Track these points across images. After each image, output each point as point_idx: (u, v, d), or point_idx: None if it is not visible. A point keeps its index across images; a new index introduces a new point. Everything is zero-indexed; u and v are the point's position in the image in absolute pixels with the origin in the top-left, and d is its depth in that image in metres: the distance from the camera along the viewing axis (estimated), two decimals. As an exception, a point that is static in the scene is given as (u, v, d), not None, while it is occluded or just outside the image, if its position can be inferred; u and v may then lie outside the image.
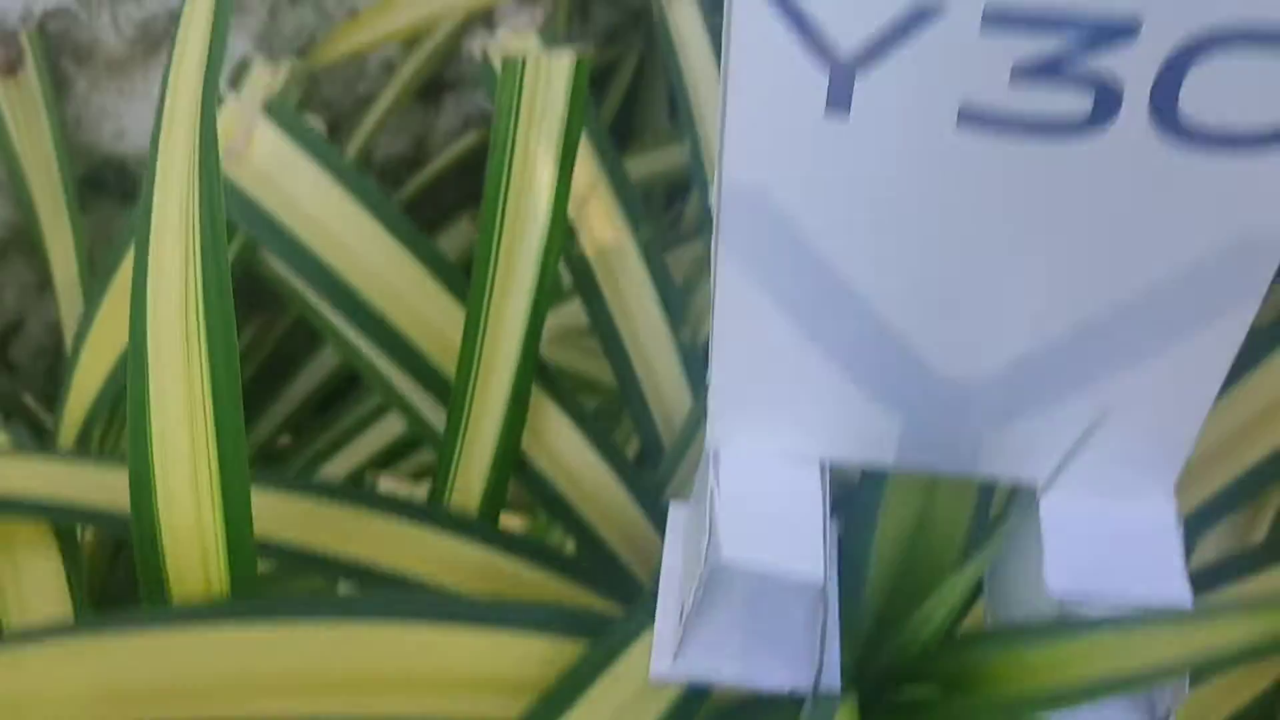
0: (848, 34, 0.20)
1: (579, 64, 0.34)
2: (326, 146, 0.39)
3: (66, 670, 0.23)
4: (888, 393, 0.26)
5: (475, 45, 0.40)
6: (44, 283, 0.63)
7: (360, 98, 0.66)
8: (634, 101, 0.71)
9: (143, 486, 0.25)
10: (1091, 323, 0.24)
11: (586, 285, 0.42)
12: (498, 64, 0.40)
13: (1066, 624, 0.25)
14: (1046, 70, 0.20)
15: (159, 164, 0.26)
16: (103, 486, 0.30)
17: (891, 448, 0.28)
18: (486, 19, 0.64)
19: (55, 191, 0.56)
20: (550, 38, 0.41)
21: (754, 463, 0.28)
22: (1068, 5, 0.19)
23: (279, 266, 0.43)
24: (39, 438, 0.58)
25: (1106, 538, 0.27)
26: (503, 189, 0.34)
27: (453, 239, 0.69)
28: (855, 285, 0.24)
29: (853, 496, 0.32)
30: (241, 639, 0.24)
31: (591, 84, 0.70)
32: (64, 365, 0.61)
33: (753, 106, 0.21)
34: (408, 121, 0.70)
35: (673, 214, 0.64)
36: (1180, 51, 0.19)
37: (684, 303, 0.43)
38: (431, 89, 0.69)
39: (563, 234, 0.35)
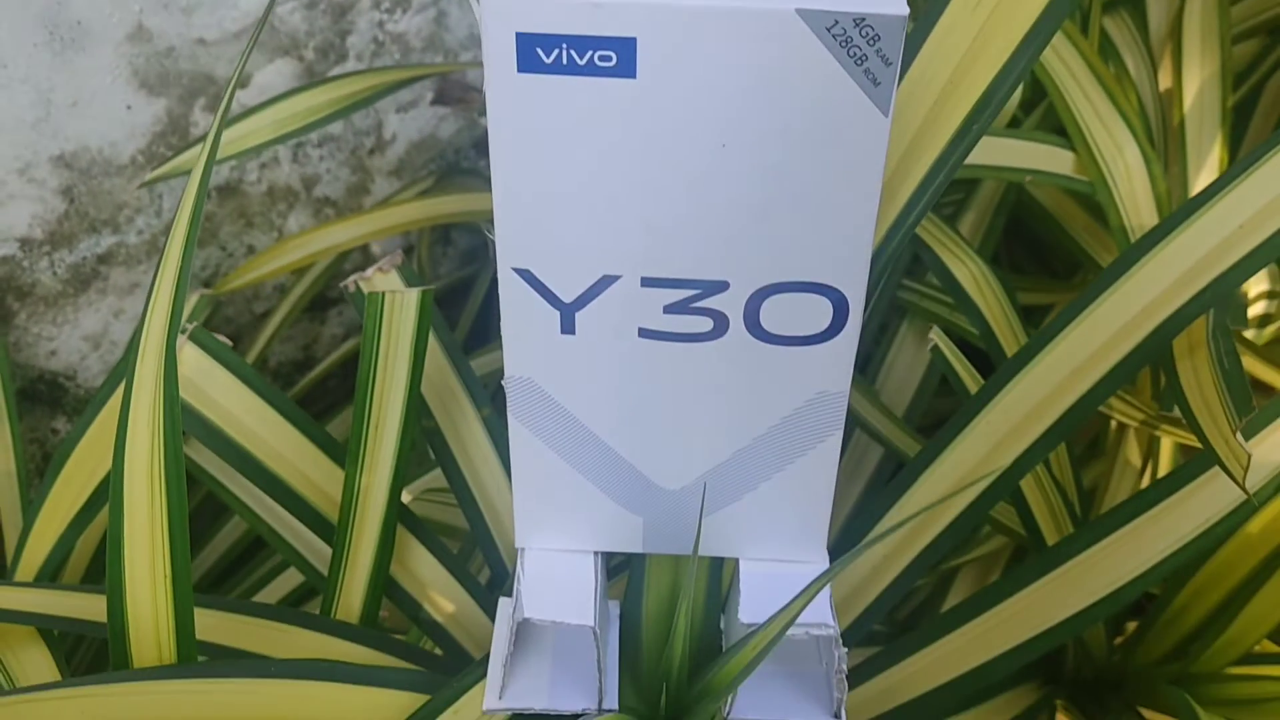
0: (567, 291, 0.34)
1: (424, 294, 0.48)
2: (234, 357, 0.51)
3: (59, 707, 0.34)
4: (629, 501, 0.40)
5: (349, 282, 0.54)
6: (-20, 484, 0.73)
7: (257, 315, 0.79)
8: (490, 306, 0.86)
9: (116, 597, 0.37)
10: (741, 449, 0.38)
11: (443, 454, 0.54)
12: (366, 295, 0.54)
13: (750, 634, 0.38)
14: (682, 307, 0.35)
15: (136, 378, 0.38)
16: (69, 606, 0.41)
17: (639, 540, 0.41)
18: (361, 249, 0.79)
19: (-3, 403, 0.66)
20: (412, 269, 0.55)
21: (546, 554, 0.41)
22: (689, 272, 0.34)
23: (197, 451, 0.55)
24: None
25: (780, 586, 0.40)
26: (370, 385, 0.47)
27: (339, 427, 0.82)
28: (596, 433, 0.38)
29: (630, 581, 0.45)
30: (184, 689, 0.35)
31: (453, 295, 0.85)
32: (2, 551, 0.71)
33: (518, 331, 0.35)
34: (297, 332, 0.83)
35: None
36: (754, 294, 0.34)
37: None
38: (318, 304, 0.83)
39: (416, 415, 0.48)
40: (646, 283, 0.34)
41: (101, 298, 0.70)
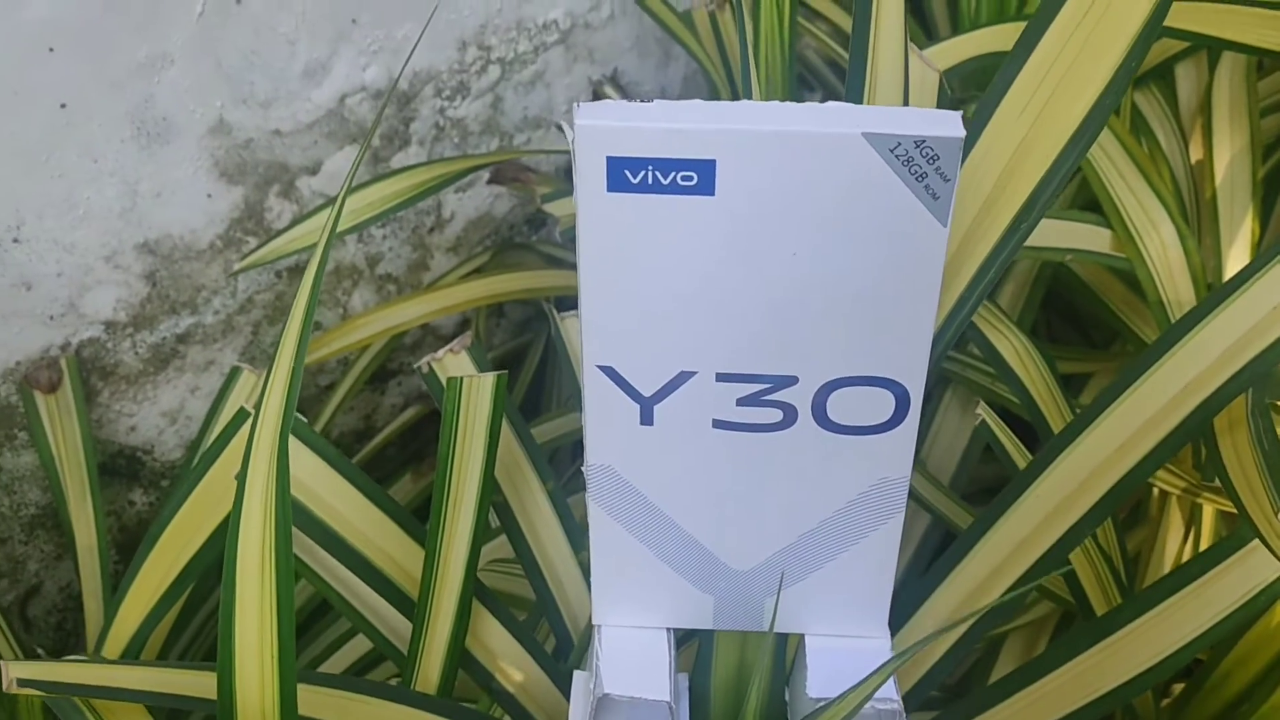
0: (647, 386, 0.37)
1: (499, 379, 0.51)
2: (317, 438, 0.54)
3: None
4: (701, 581, 0.42)
5: (424, 363, 0.57)
6: (61, 553, 0.76)
7: (322, 388, 0.82)
8: (543, 375, 0.89)
9: (226, 677, 0.39)
10: (807, 532, 0.40)
11: (511, 527, 0.57)
12: (440, 373, 0.57)
13: (817, 710, 0.40)
14: (754, 400, 0.37)
15: (250, 471, 0.41)
16: (179, 684, 0.43)
17: (710, 617, 0.43)
18: (423, 329, 0.82)
19: (80, 478, 0.70)
20: (480, 349, 0.58)
21: (623, 632, 0.43)
22: (761, 368, 0.36)
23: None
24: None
25: (845, 660, 0.42)
26: (450, 464, 0.50)
27: (399, 491, 0.84)
28: (671, 516, 0.41)
29: (699, 654, 0.47)
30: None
31: (507, 365, 0.88)
32: (80, 620, 0.74)
33: (600, 421, 0.38)
34: (359, 402, 0.86)
35: (577, 466, 0.80)
36: (822, 388, 0.37)
37: (583, 535, 0.59)
38: (378, 376, 0.86)
39: (491, 493, 0.51)
40: (721, 378, 0.37)
41: (179, 375, 0.74)
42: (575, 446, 0.83)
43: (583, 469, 0.41)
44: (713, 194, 0.33)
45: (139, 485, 0.77)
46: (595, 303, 0.36)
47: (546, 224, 0.90)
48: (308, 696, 0.44)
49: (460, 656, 0.51)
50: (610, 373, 0.37)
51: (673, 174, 0.33)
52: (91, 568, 0.70)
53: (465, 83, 0.78)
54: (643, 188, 0.33)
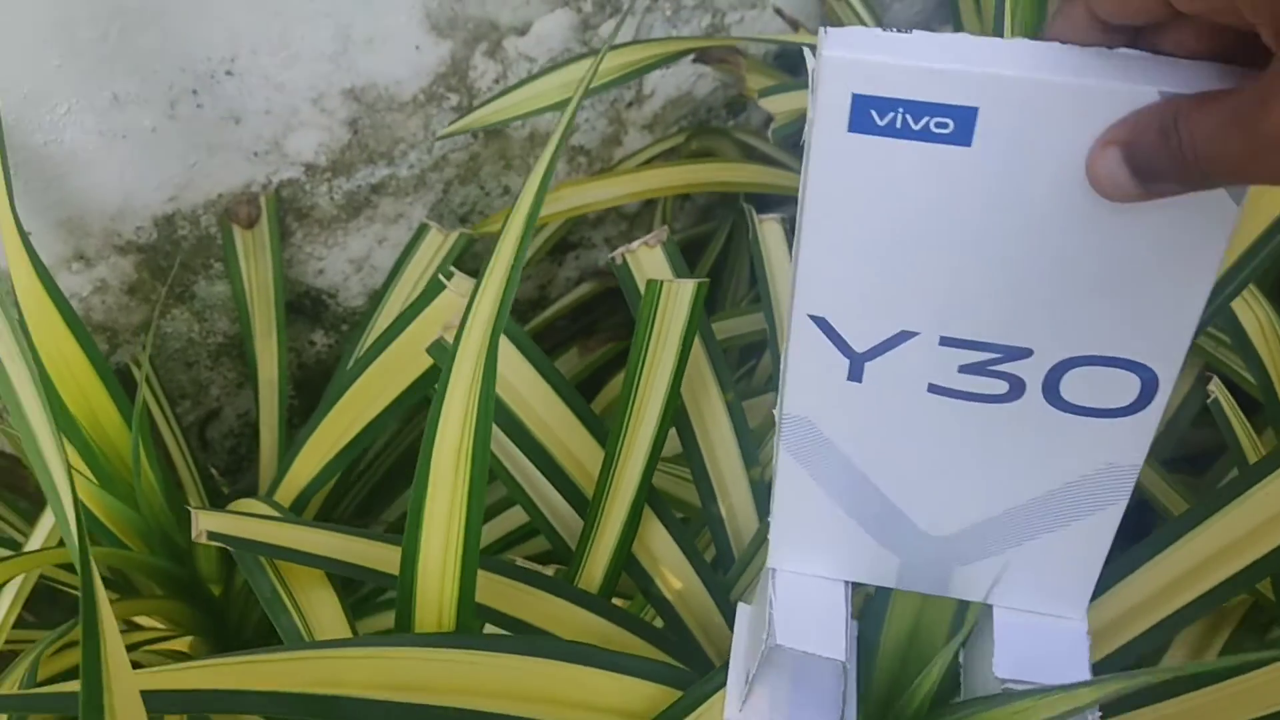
0: (861, 342, 0.34)
1: (699, 287, 0.48)
2: (516, 328, 0.53)
3: (354, 665, 0.37)
4: (890, 541, 0.40)
5: (617, 254, 0.55)
6: (242, 381, 0.79)
7: (502, 252, 0.82)
8: (722, 266, 0.86)
9: (410, 558, 0.39)
10: (1017, 507, 0.37)
11: (685, 432, 0.56)
12: (632, 266, 0.55)
13: (1006, 696, 0.38)
14: (978, 368, 0.34)
15: (455, 367, 0.40)
16: (363, 555, 0.44)
17: (893, 576, 0.41)
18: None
19: (268, 313, 0.71)
20: (674, 246, 0.56)
21: (799, 579, 0.42)
22: (992, 336, 0.33)
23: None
24: (218, 499, 0.73)
25: (1037, 640, 0.40)
26: (639, 368, 0.49)
27: (565, 363, 0.84)
28: (869, 476, 0.38)
29: (870, 604, 0.45)
30: (465, 659, 0.38)
31: (689, 252, 0.86)
32: (253, 447, 0.77)
33: (803, 374, 0.35)
34: (537, 271, 0.86)
35: (748, 368, 0.78)
36: (1057, 364, 0.33)
37: (756, 449, 0.57)
38: (558, 248, 0.85)
39: (675, 404, 0.49)
40: (945, 342, 0.33)
41: (370, 224, 0.74)
42: (747, 349, 0.81)
43: (775, 413, 0.38)
44: (969, 144, 0.29)
45: (320, 326, 0.78)
46: (817, 248, 0.32)
47: (746, 109, 0.86)
48: (480, 581, 0.44)
49: (625, 559, 0.51)
50: (822, 323, 0.34)
51: (926, 119, 0.28)
52: (270, 400, 0.72)
53: (688, -48, 0.73)
54: (889, 131, 0.29)
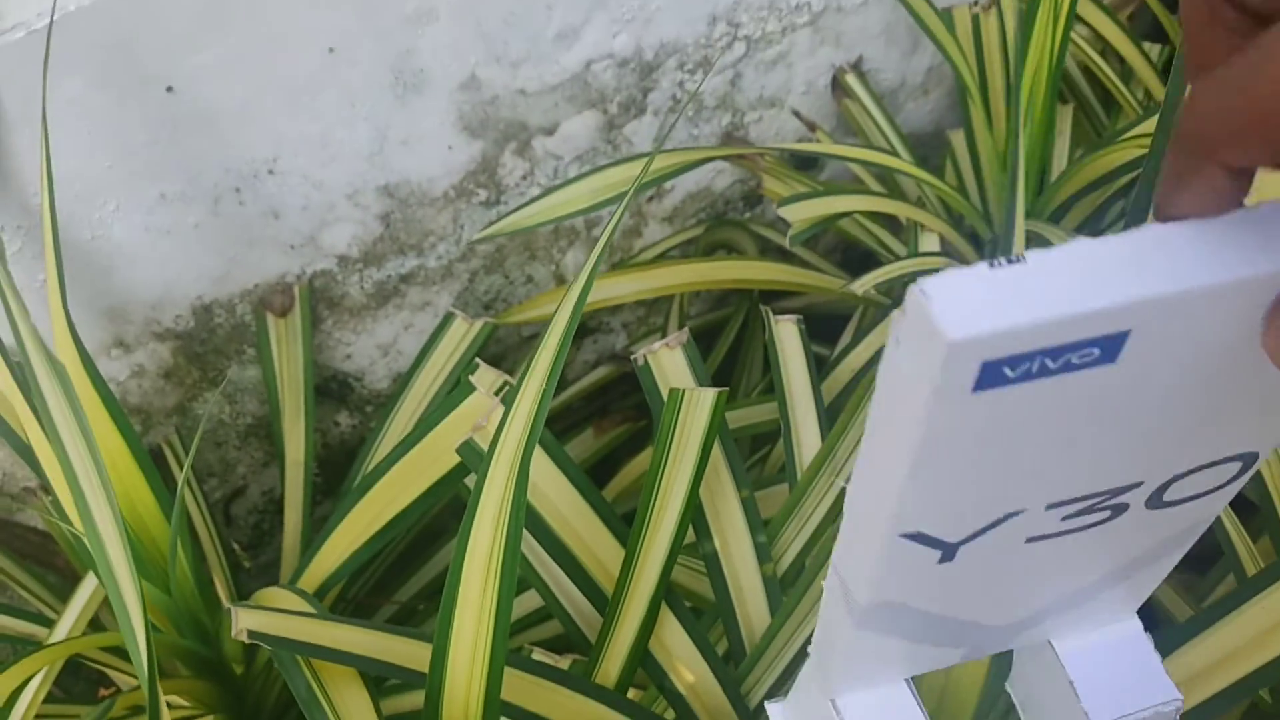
0: (958, 535, 0.31)
1: (720, 395, 0.51)
2: (547, 434, 0.55)
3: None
4: (958, 641, 0.39)
5: (639, 355, 0.57)
6: (268, 460, 0.81)
7: (524, 337, 0.84)
8: (736, 352, 0.88)
9: (440, 658, 0.41)
10: (1090, 584, 0.37)
11: (700, 525, 0.57)
12: (654, 367, 0.57)
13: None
14: (1084, 511, 0.32)
15: (489, 474, 0.42)
16: (393, 651, 0.46)
17: (956, 658, 0.40)
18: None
19: (297, 397, 0.74)
20: (694, 349, 0.58)
21: (861, 696, 0.41)
22: (1102, 487, 0.30)
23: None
24: (240, 574, 0.74)
25: (1107, 662, 0.39)
26: (660, 471, 0.51)
27: (580, 444, 0.86)
28: (945, 616, 0.37)
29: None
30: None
31: (703, 339, 0.88)
32: (276, 523, 0.78)
33: (887, 571, 0.33)
34: (556, 356, 0.88)
35: (760, 456, 0.80)
36: (1167, 482, 0.32)
37: (769, 544, 0.59)
38: (577, 334, 0.87)
39: (693, 509, 0.51)
40: (1051, 506, 0.31)
41: (397, 312, 0.77)
42: (759, 437, 0.83)
43: (824, 583, 0.37)
44: (1114, 362, 0.26)
45: (346, 408, 0.81)
46: (919, 483, 0.28)
47: (762, 202, 0.89)
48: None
49: (642, 655, 0.52)
50: (917, 536, 0.31)
51: (1066, 356, 0.25)
52: (296, 480, 0.74)
53: (709, 58, 0.77)
54: (1023, 378, 0.25)
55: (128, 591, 0.38)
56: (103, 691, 0.78)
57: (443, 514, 0.82)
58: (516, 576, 0.42)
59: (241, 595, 0.68)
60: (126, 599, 0.37)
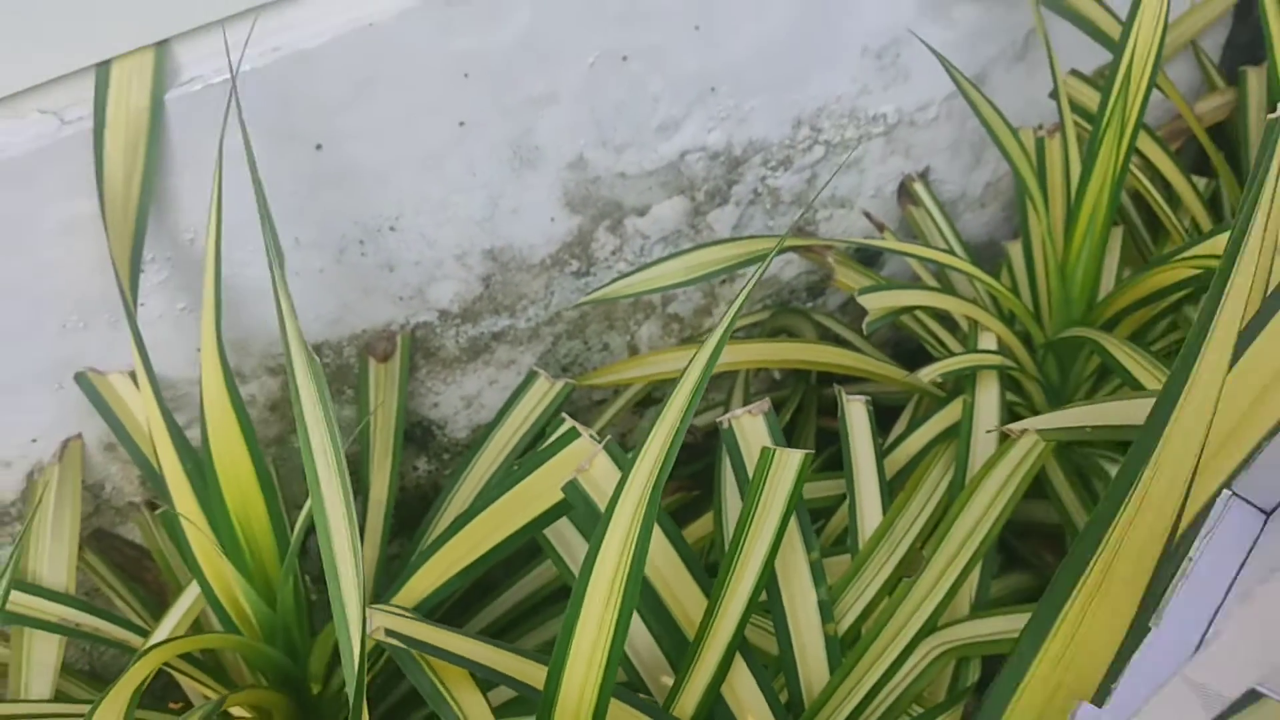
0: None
1: (805, 458, 0.56)
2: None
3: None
4: None
5: (724, 419, 0.62)
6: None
7: (594, 401, 0.90)
8: (791, 430, 0.93)
9: (555, 675, 0.46)
10: None
11: (769, 584, 0.62)
12: (737, 432, 0.62)
13: None
14: None
15: (617, 509, 0.47)
16: (503, 664, 0.50)
17: None
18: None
19: (388, 439, 0.79)
20: (775, 418, 0.63)
21: None
22: None
23: (565, 534, 0.64)
24: (309, 607, 0.78)
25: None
26: (746, 526, 0.55)
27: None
28: None
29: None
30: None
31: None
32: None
33: None
34: (621, 423, 0.93)
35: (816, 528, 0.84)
36: None
37: (831, 606, 0.63)
38: (642, 403, 0.93)
39: (774, 561, 0.56)
40: None
41: (485, 367, 0.82)
42: (815, 513, 0.87)
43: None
44: None
45: (425, 453, 0.85)
46: None
47: (824, 293, 0.95)
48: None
49: (715, 697, 0.56)
50: None
51: None
52: (376, 518, 0.78)
53: (790, 158, 0.83)
54: None
55: (350, 599, 0.42)
56: (172, 705, 0.82)
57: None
58: (634, 607, 0.46)
59: (312, 626, 0.72)
60: (349, 609, 0.42)
